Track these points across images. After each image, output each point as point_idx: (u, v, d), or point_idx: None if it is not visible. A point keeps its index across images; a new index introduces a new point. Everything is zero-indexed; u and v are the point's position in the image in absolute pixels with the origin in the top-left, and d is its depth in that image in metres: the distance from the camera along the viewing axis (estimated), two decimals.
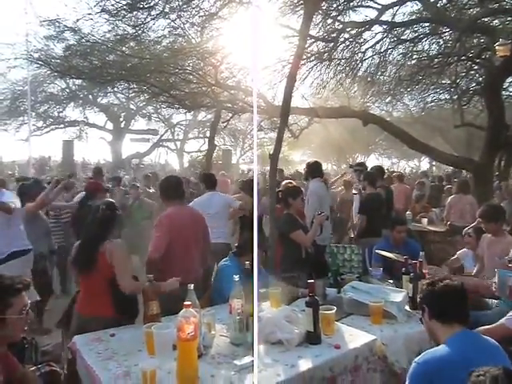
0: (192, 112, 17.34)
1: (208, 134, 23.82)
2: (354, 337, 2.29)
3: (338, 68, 9.04)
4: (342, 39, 8.11)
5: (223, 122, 11.02)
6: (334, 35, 7.87)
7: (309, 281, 2.26)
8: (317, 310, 2.18)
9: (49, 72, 13.91)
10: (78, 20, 6.52)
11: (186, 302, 1.76)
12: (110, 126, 22.34)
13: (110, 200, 3.15)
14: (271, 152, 4.57)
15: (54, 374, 2.68)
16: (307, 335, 2.17)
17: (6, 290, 1.61)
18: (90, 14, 6.23)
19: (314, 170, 4.98)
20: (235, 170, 21.30)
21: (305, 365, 1.97)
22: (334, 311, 2.31)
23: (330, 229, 5.13)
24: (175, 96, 9.93)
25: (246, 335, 2.19)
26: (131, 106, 22.03)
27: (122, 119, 22.26)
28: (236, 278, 2.20)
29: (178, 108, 10.75)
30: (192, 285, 2.00)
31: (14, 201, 4.09)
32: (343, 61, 8.84)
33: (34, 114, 18.81)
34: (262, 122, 14.85)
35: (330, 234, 5.05)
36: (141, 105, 21.64)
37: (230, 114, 10.84)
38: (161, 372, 1.78)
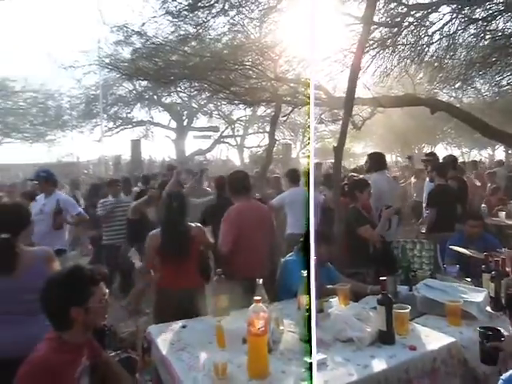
0: (251, 107, 17.50)
1: (268, 129, 24.02)
2: (431, 338, 2.15)
3: (403, 54, 8.58)
4: (406, 23, 7.68)
5: (283, 116, 10.96)
6: (398, 19, 7.46)
7: (381, 278, 2.16)
8: (390, 308, 2.08)
9: (118, 75, 14.84)
10: (143, 24, 6.81)
11: (255, 297, 1.76)
12: (173, 124, 23.21)
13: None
14: (334, 145, 4.45)
15: (131, 360, 2.84)
16: (380, 334, 2.08)
17: (87, 281, 1.71)
18: (154, 16, 6.46)
19: (377, 162, 4.74)
20: (295, 164, 21.17)
21: (379, 365, 1.88)
22: (408, 310, 2.19)
23: (397, 223, 4.91)
24: (235, 92, 10.04)
25: (315, 331, 2.15)
26: (193, 104, 22.71)
27: (184, 117, 23.02)
28: (304, 273, 2.16)
29: (238, 104, 10.85)
30: (261, 280, 1.99)
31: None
32: (408, 46, 8.36)
33: (105, 115, 20.08)
34: (322, 115, 14.59)
35: (397, 228, 4.83)
36: (202, 102, 22.24)
37: (290, 108, 10.75)
38: (231, 365, 1.80)
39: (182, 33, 8.35)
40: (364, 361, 1.91)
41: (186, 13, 6.79)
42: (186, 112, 22.95)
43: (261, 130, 25.18)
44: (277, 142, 15.68)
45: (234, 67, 8.96)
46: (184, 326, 2.30)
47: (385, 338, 2.08)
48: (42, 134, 20.76)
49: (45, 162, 20.82)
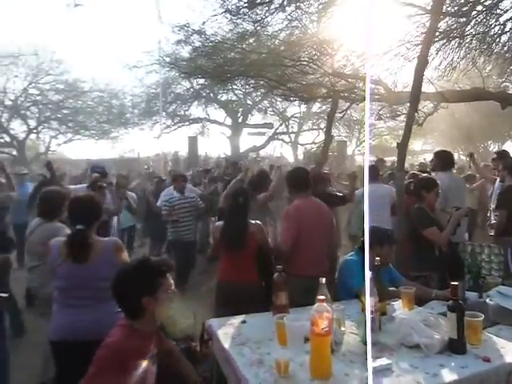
0: (307, 104, 17.31)
1: (322, 126, 23.69)
2: (507, 350, 1.99)
3: (471, 45, 8.04)
4: (474, 12, 7.18)
5: (340, 112, 10.72)
6: (466, 8, 6.99)
7: (452, 282, 2.03)
8: (462, 315, 1.96)
9: (177, 74, 15.34)
10: (204, 23, 6.95)
11: (319, 297, 1.73)
12: (228, 121, 23.58)
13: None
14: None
15: (191, 351, 2.92)
16: (450, 343, 1.96)
17: (155, 272, 1.77)
18: (214, 15, 6.57)
19: (444, 160, 4.49)
20: (351, 161, 20.69)
21: (449, 376, 1.78)
22: (481, 318, 2.05)
23: (466, 226, 4.63)
24: (292, 88, 9.98)
25: (378, 335, 2.08)
26: (248, 102, 22.95)
27: (239, 114, 23.31)
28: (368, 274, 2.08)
29: (294, 100, 10.78)
30: (324, 278, 1.96)
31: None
32: (476, 37, 7.82)
33: (164, 113, 20.84)
34: (380, 111, 14.09)
35: (465, 231, 4.55)
36: (257, 99, 22.41)
37: (347, 104, 10.50)
38: (293, 364, 1.78)
39: (240, 30, 8.44)
40: (433, 369, 1.81)
41: (244, 10, 6.85)
42: (241, 109, 23.24)
43: (315, 127, 24.89)
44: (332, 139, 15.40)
45: (291, 63, 8.89)
46: (244, 321, 2.32)
47: (455, 346, 1.96)
48: (106, 131, 22.01)
49: (109, 157, 22.12)
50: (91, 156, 22.84)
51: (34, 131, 21.56)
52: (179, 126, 23.41)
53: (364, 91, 9.06)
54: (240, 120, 23.32)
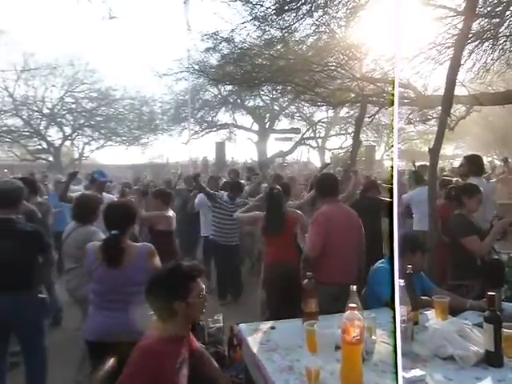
0: (334, 109, 17.18)
1: (350, 131, 23.44)
2: None
3: (505, 47, 7.78)
4: (508, 13, 6.95)
5: (369, 117, 10.59)
6: (500, 9, 6.79)
7: (489, 293, 1.97)
8: (499, 326, 1.89)
9: (205, 81, 15.57)
10: (232, 30, 7.04)
11: (351, 304, 1.71)
12: (256, 127, 23.71)
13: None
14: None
15: (219, 355, 2.95)
16: (486, 355, 1.90)
17: (186, 277, 1.80)
18: (243, 23, 6.65)
19: (476, 165, 4.33)
20: (379, 166, 20.34)
21: None
22: None
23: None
24: (319, 93, 9.95)
25: (410, 345, 2.04)
26: (275, 107, 23.02)
27: (266, 120, 23.40)
28: (401, 282, 2.05)
29: (322, 105, 10.73)
30: (355, 286, 1.94)
31: None
32: (511, 38, 7.56)
33: (192, 119, 21.20)
34: (410, 115, 13.81)
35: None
36: (284, 105, 22.44)
37: (375, 108, 10.35)
38: (324, 372, 1.77)
39: (267, 37, 8.49)
40: (468, 382, 1.76)
41: (272, 17, 6.90)
42: (268, 115, 23.32)
43: (343, 132, 24.67)
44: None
45: (319, 68, 8.87)
46: (273, 327, 2.32)
47: (492, 359, 1.89)
48: (137, 137, 22.59)
49: (138, 163, 22.67)
50: (122, 162, 23.54)
51: (69, 138, 22.40)
52: (207, 132, 23.74)
53: (393, 95, 8.92)
54: (267, 125, 23.40)
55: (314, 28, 8.60)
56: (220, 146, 19.75)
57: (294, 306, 2.76)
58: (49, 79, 20.31)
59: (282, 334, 2.26)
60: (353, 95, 10.13)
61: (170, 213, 4.69)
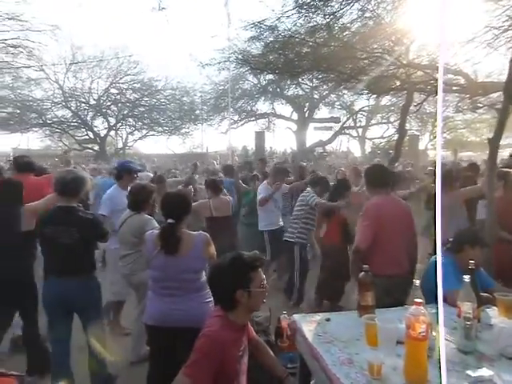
0: (376, 97, 16.68)
1: (392, 119, 22.74)
2: None
3: None
4: None
5: (415, 106, 10.20)
6: None
7: None
8: None
9: (245, 70, 15.56)
10: (278, 19, 6.96)
11: (416, 300, 1.67)
12: (295, 116, 23.50)
13: None
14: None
15: (269, 344, 2.97)
16: None
17: (248, 267, 1.83)
18: (287, 11, 6.56)
19: None
20: (423, 156, 19.64)
21: None
22: None
23: None
24: (363, 81, 9.67)
25: (475, 343, 1.96)
26: (315, 96, 22.69)
27: (306, 109, 23.13)
28: (466, 278, 1.98)
29: (367, 93, 10.44)
30: (418, 281, 1.89)
31: None
32: None
33: (232, 109, 21.31)
34: (459, 103, 13.18)
35: None
36: (324, 93, 22.07)
37: (422, 96, 9.95)
38: (385, 367, 1.74)
39: (311, 24, 8.33)
40: None
41: (318, 3, 6.75)
42: (307, 103, 23.04)
43: (384, 121, 24.01)
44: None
45: (364, 55, 8.62)
46: (328, 319, 2.31)
47: None
48: (178, 127, 23.05)
49: (179, 152, 23.14)
50: (162, 151, 24.11)
51: (114, 128, 23.18)
52: (246, 122, 23.82)
53: (444, 83, 8.54)
54: (306, 115, 23.13)
55: (359, 13, 8.35)
56: (259, 136, 19.75)
57: None
58: (95, 71, 21.08)
59: (338, 326, 2.24)
60: (398, 83, 9.78)
61: (227, 198, 4.97)
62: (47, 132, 22.80)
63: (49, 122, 21.42)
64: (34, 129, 21.82)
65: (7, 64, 7.64)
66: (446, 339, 2.07)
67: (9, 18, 6.77)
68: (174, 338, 2.49)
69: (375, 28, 8.57)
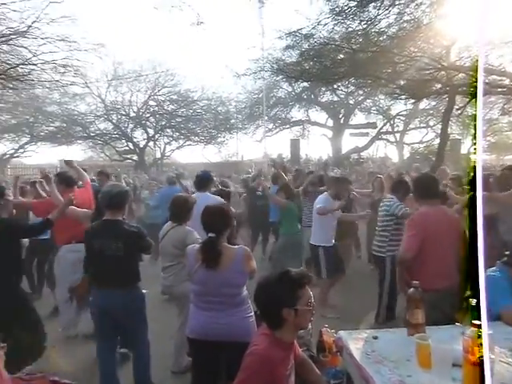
0: (415, 101, 16.24)
1: (431, 123, 22.01)
2: None
3: None
4: None
5: (457, 109, 9.85)
6: None
7: None
8: None
9: (279, 78, 15.64)
10: (314, 27, 6.95)
11: (475, 321, 1.57)
12: (330, 122, 23.28)
13: None
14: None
15: (313, 360, 2.90)
16: None
17: (295, 284, 1.78)
18: (324, 18, 6.53)
19: None
20: (465, 161, 18.85)
21: None
22: None
23: None
24: (401, 86, 9.46)
25: None
26: (350, 102, 22.38)
27: (341, 115, 22.86)
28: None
29: (405, 98, 10.19)
30: (474, 300, 1.78)
31: None
32: None
33: (266, 117, 21.42)
34: (505, 105, 12.60)
35: None
36: (359, 99, 21.73)
37: (464, 99, 9.60)
38: None
39: (347, 30, 8.26)
40: None
41: (355, 9, 6.69)
42: (343, 110, 22.76)
43: (423, 125, 23.32)
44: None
45: (402, 59, 8.44)
46: (376, 337, 2.23)
47: None
48: (213, 136, 23.39)
49: (215, 161, 23.46)
50: (198, 160, 24.53)
51: (152, 139, 23.85)
52: (281, 129, 23.83)
53: (488, 84, 8.21)
54: (342, 121, 22.85)
55: (397, 17, 8.20)
56: (294, 143, 19.69)
57: None
58: (134, 85, 21.82)
59: (386, 344, 2.15)
60: (439, 86, 9.51)
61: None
62: (90, 144, 23.83)
63: (92, 134, 22.37)
64: (79, 141, 22.85)
65: (56, 82, 8.13)
66: (503, 361, 1.94)
67: (59, 40, 7.21)
68: (217, 352, 2.49)
69: (413, 31, 8.38)
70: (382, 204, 4.63)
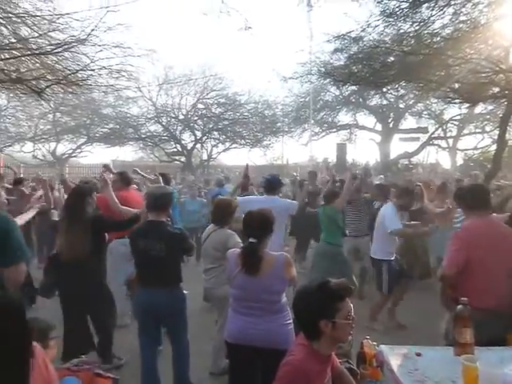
0: (471, 105, 15.43)
1: (487, 129, 20.79)
2: None
3: None
4: None
5: None
6: None
7: None
8: None
9: (326, 82, 15.44)
10: (363, 29, 6.81)
11: None
12: (378, 127, 22.68)
13: None
14: None
15: (352, 373, 2.83)
16: None
17: (334, 296, 1.73)
18: (375, 20, 6.38)
19: None
20: None
21: None
22: None
23: None
24: (456, 89, 9.04)
25: None
26: (400, 105, 21.68)
27: (390, 119, 22.20)
28: None
29: (460, 102, 9.72)
30: None
31: None
32: None
33: (313, 121, 21.25)
34: None
35: None
36: (410, 102, 20.98)
37: None
38: None
39: (398, 32, 8.01)
40: None
41: (406, 11, 6.47)
42: (392, 114, 22.09)
43: (479, 130, 22.08)
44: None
45: (457, 61, 8.06)
46: (419, 354, 2.13)
47: None
48: (259, 139, 23.53)
49: (260, 164, 23.58)
50: (244, 162, 24.77)
51: (200, 141, 24.42)
52: (327, 133, 23.54)
53: None
54: (391, 125, 22.17)
55: (451, 18, 7.84)
56: (341, 148, 19.32)
57: None
58: (184, 88, 22.47)
59: (430, 363, 2.05)
60: (497, 89, 8.97)
61: None
62: (141, 145, 24.83)
63: (143, 136, 23.31)
64: (130, 142, 23.91)
65: (111, 86, 8.60)
66: None
67: (114, 46, 7.63)
68: (254, 357, 2.49)
69: (470, 32, 7.98)
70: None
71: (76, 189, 3.96)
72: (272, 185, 4.42)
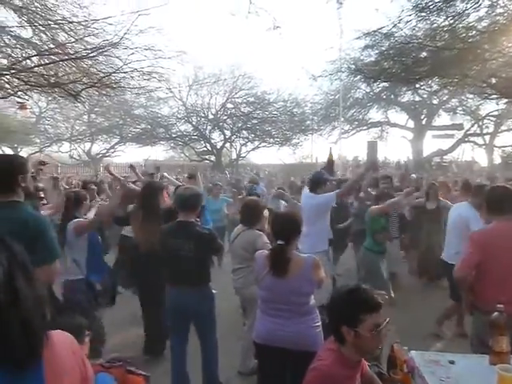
0: (505, 100, 14.82)
1: None
2: None
3: None
4: None
5: None
6: None
7: None
8: None
9: (356, 79, 15.20)
10: (394, 25, 6.66)
11: None
12: (410, 124, 22.13)
13: None
14: None
15: (381, 378, 2.78)
16: None
17: (359, 306, 1.68)
18: (407, 16, 6.22)
19: None
20: None
21: None
22: None
23: None
24: (493, 84, 8.71)
25: None
26: (433, 102, 21.06)
27: (423, 116, 21.60)
28: None
29: (497, 97, 9.36)
30: None
31: None
32: None
33: (342, 118, 20.98)
34: None
35: None
36: (444, 99, 20.34)
37: None
38: None
39: (431, 27, 7.79)
40: None
41: (440, 5, 6.27)
42: (425, 110, 21.48)
43: None
44: None
45: (494, 56, 7.76)
46: (452, 362, 2.07)
47: None
48: (288, 138, 23.47)
49: (289, 162, 23.51)
50: (272, 161, 24.78)
51: (229, 140, 24.61)
52: (357, 131, 23.18)
53: None
54: (424, 122, 21.56)
55: (487, 10, 7.55)
56: (372, 145, 18.94)
57: None
58: (213, 88, 22.71)
59: (463, 370, 1.99)
60: None
61: None
62: (172, 144, 25.32)
63: (173, 135, 23.75)
64: (162, 142, 24.42)
65: (143, 88, 8.84)
66: None
67: (146, 49, 7.82)
68: (282, 358, 2.48)
69: (508, 24, 7.66)
70: None
71: (151, 183, 4.42)
72: (316, 182, 4.39)
